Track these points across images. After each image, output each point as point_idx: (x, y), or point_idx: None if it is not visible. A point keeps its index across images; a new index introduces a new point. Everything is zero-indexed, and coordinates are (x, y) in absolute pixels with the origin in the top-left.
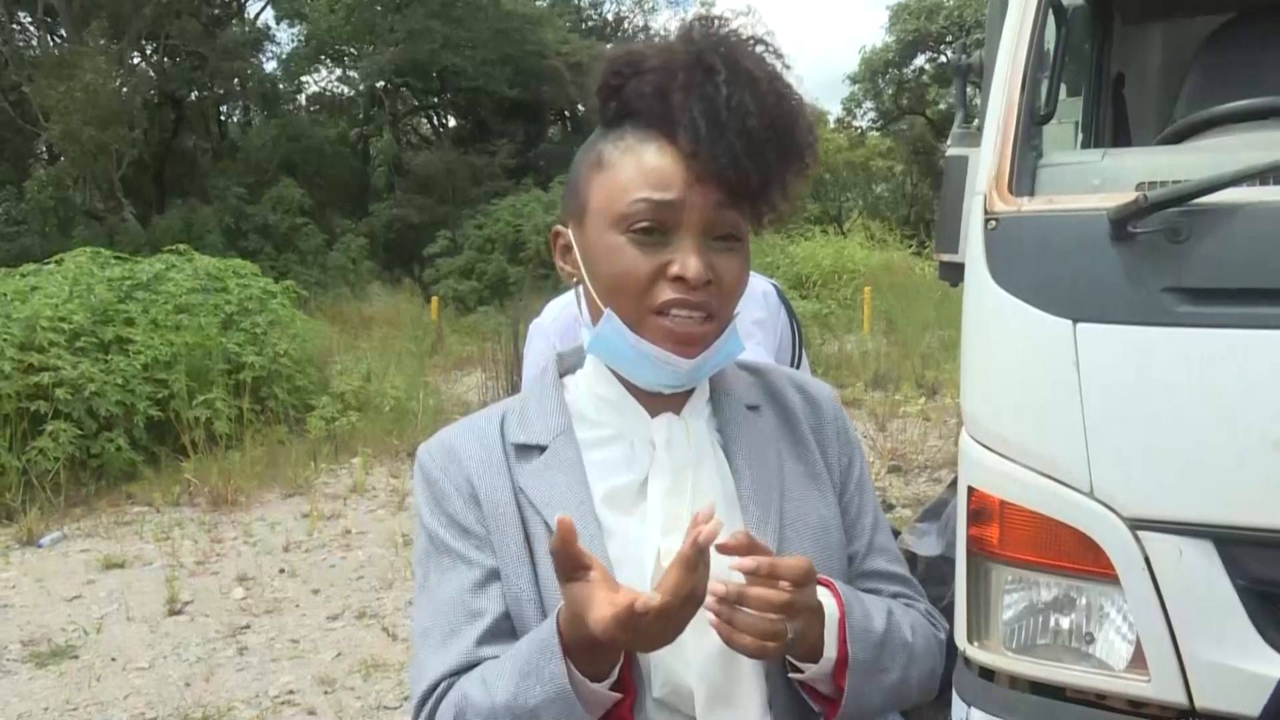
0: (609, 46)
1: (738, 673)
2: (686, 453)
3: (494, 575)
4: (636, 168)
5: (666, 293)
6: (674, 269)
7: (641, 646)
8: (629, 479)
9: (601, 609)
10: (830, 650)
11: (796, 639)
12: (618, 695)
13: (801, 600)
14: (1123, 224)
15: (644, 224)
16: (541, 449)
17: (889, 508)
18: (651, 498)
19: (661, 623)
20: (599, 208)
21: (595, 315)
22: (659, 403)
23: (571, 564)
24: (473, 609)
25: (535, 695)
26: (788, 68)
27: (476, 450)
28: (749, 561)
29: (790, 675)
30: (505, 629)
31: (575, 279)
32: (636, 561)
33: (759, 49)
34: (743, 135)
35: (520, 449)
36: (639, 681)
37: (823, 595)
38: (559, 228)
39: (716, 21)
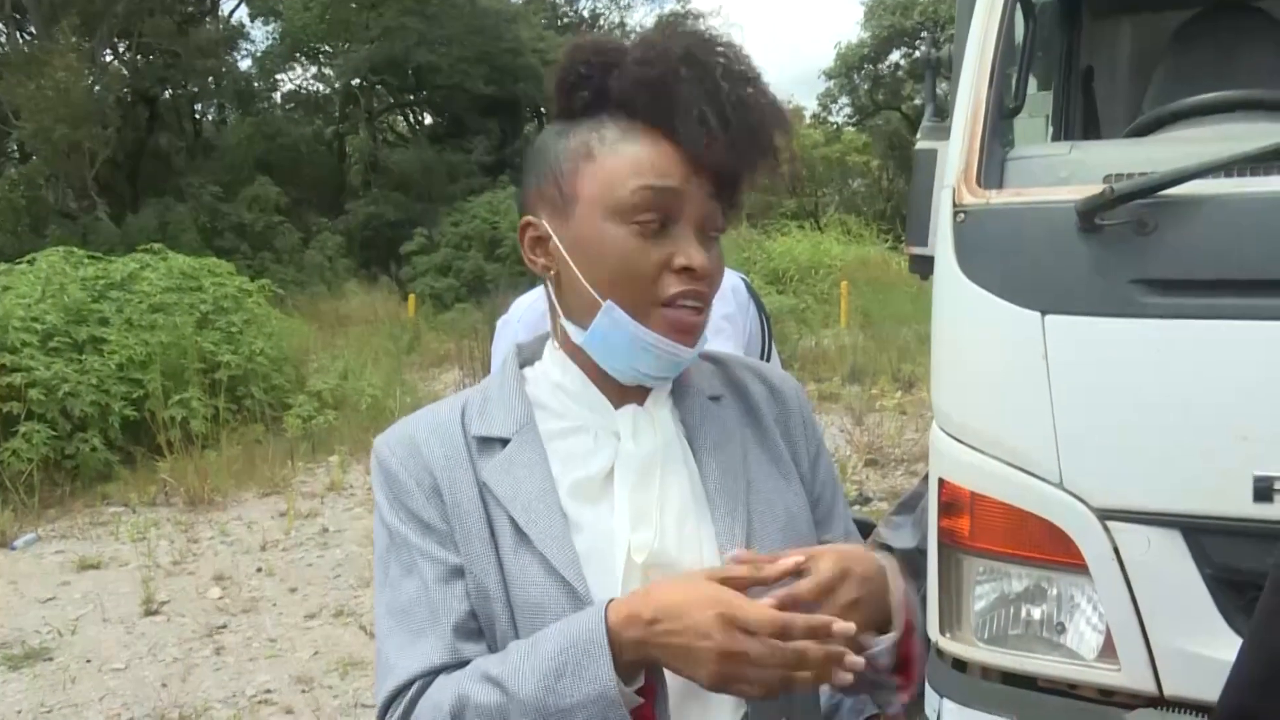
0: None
1: None
2: (653, 444)
3: (458, 572)
4: (635, 157)
5: (674, 285)
6: (679, 260)
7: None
8: (593, 471)
9: (756, 606)
10: (899, 616)
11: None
12: (639, 699)
13: (861, 580)
14: (1090, 216)
15: (649, 214)
16: (504, 442)
17: (865, 501)
18: (619, 490)
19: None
20: (594, 196)
21: (576, 308)
22: (623, 394)
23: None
24: (438, 607)
25: (573, 695)
26: (759, 74)
27: (437, 444)
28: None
29: (865, 655)
30: (473, 628)
31: (551, 271)
32: (605, 556)
33: (739, 53)
34: (745, 131)
35: (482, 442)
36: (659, 681)
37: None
38: (529, 219)
39: (692, 19)
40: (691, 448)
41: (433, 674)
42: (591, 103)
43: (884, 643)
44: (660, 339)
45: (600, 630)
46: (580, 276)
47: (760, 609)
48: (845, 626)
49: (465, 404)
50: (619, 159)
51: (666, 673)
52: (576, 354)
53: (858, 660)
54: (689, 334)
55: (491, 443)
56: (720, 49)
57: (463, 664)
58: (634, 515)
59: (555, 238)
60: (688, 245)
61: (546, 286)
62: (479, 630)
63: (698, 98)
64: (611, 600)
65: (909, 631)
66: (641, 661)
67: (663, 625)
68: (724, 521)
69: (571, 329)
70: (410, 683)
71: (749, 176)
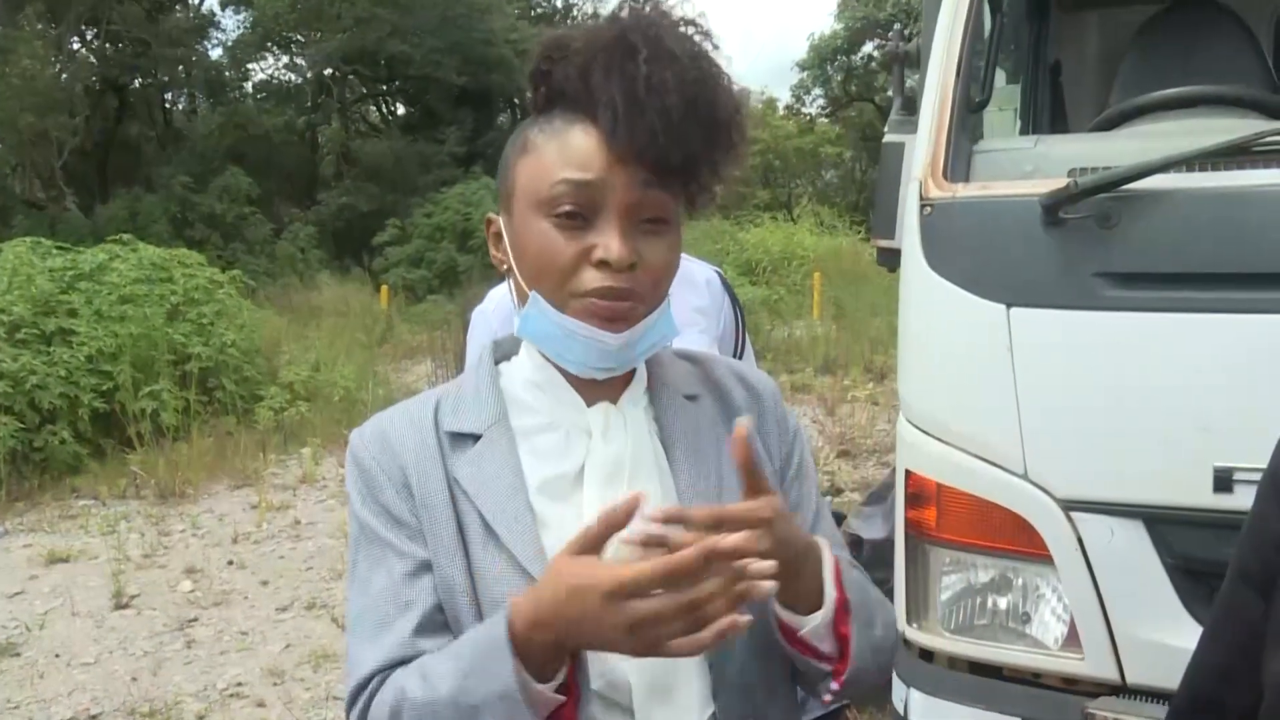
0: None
1: (677, 664)
2: (624, 442)
3: (426, 566)
4: (559, 150)
5: (591, 278)
6: (597, 253)
7: (629, 640)
8: (565, 468)
9: (615, 569)
10: (830, 590)
11: (792, 586)
12: (561, 698)
13: (780, 542)
14: (1054, 209)
15: (566, 207)
16: (476, 437)
17: (837, 492)
18: (587, 489)
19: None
20: (524, 192)
21: (521, 301)
22: (595, 391)
23: (594, 545)
24: (404, 601)
25: (480, 693)
26: (716, 47)
27: (411, 439)
28: (658, 515)
29: (794, 639)
30: (438, 621)
31: (505, 266)
32: None
33: (688, 29)
34: (662, 114)
35: (454, 437)
36: (583, 683)
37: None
38: (491, 216)
39: (645, 2)
40: (664, 447)
41: (392, 667)
42: (549, 97)
43: (813, 621)
44: (582, 325)
45: (501, 631)
46: (516, 269)
47: (636, 569)
48: (721, 514)
49: (440, 399)
50: (546, 153)
51: (629, 673)
52: None
53: (765, 565)
54: (614, 321)
55: (463, 438)
56: (654, 28)
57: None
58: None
59: (504, 233)
60: (608, 237)
61: (509, 281)
62: (444, 624)
63: (612, 83)
64: (513, 601)
65: (843, 611)
66: (560, 657)
67: (566, 627)
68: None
69: (517, 320)
70: (371, 677)
71: (688, 157)
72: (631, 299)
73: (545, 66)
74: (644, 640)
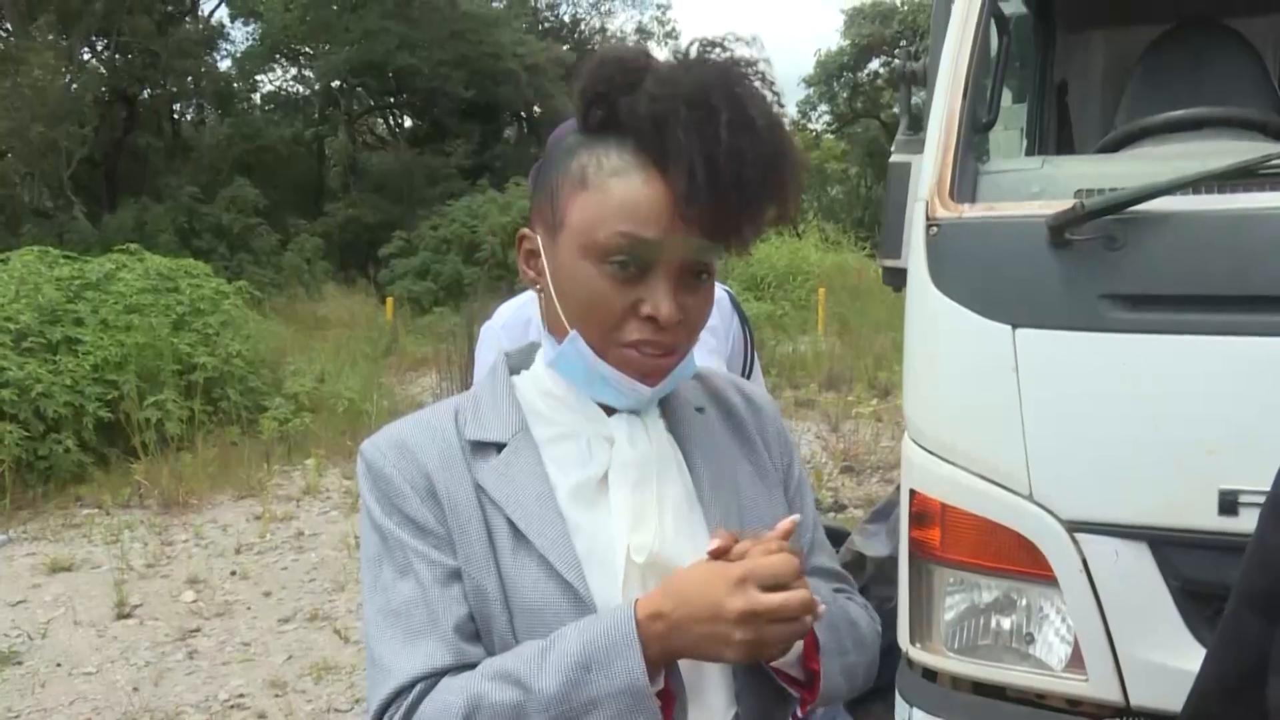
0: (566, 48)
1: (706, 668)
2: (648, 449)
3: (455, 574)
4: (622, 198)
5: (635, 331)
6: (646, 309)
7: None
8: (589, 475)
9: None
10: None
11: None
12: (657, 703)
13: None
14: (1061, 231)
15: (621, 258)
16: (499, 446)
17: (840, 508)
18: (616, 493)
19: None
20: (576, 229)
21: (554, 325)
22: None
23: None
24: (437, 609)
25: (598, 689)
26: (782, 105)
27: (432, 447)
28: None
29: (770, 665)
30: (472, 630)
31: (539, 286)
32: (605, 557)
33: (760, 84)
34: (738, 187)
35: (477, 446)
36: (679, 690)
37: None
38: (526, 230)
39: (718, 49)
40: (683, 455)
41: (436, 676)
42: (606, 121)
43: (786, 656)
44: (617, 375)
45: (630, 624)
46: (556, 300)
47: (772, 561)
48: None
49: (458, 409)
50: (606, 196)
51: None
52: None
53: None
54: (651, 376)
55: (486, 447)
56: (736, 89)
57: (467, 666)
58: (632, 517)
59: (544, 256)
60: (658, 294)
61: (540, 299)
62: (477, 633)
63: (692, 146)
64: (638, 599)
65: (811, 649)
66: (663, 658)
67: (685, 609)
68: (717, 527)
69: (547, 346)
70: (411, 684)
71: (749, 221)
72: (674, 353)
73: (604, 89)
74: (748, 639)
